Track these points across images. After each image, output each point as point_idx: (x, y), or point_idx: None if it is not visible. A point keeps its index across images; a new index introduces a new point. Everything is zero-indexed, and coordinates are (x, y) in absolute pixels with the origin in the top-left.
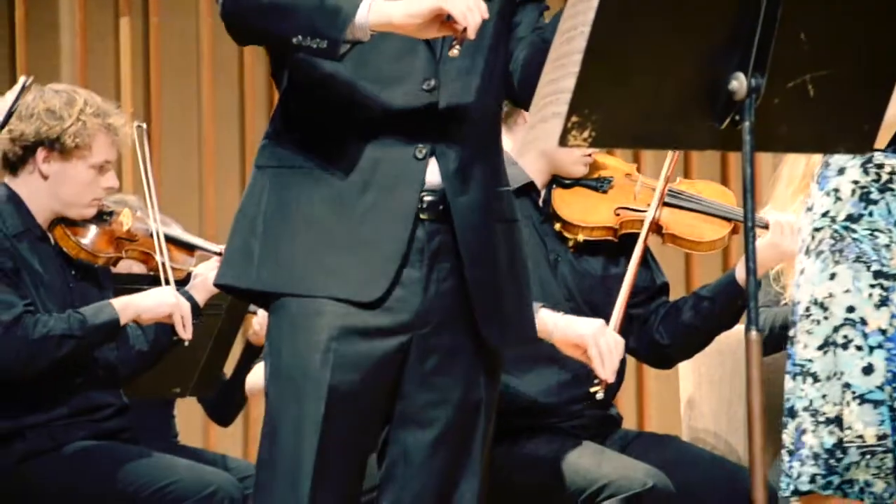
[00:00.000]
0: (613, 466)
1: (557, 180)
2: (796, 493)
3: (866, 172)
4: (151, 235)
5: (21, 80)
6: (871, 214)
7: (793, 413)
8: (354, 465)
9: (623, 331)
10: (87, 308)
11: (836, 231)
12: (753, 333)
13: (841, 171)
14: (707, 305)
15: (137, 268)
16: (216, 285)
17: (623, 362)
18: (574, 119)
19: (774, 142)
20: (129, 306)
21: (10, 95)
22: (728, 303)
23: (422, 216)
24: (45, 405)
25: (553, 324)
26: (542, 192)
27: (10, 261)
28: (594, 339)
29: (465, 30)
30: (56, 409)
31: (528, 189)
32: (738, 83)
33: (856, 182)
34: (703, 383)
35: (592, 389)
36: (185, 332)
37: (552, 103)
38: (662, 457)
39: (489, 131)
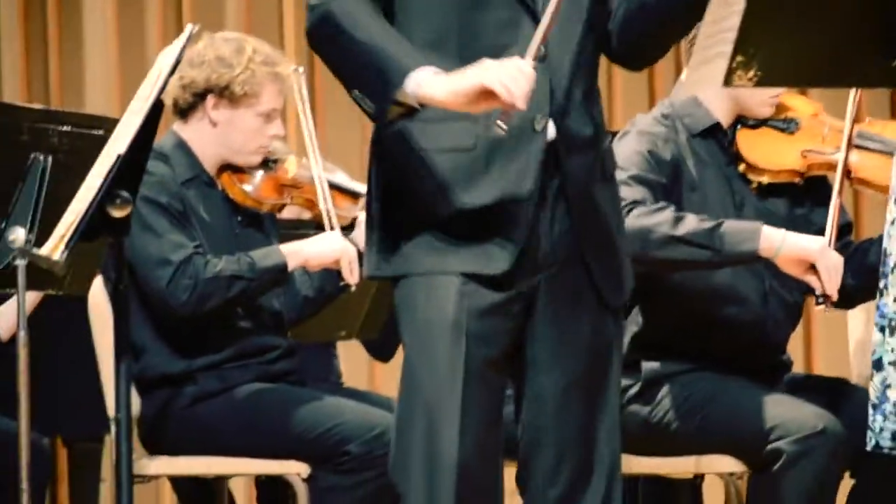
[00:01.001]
0: (784, 409)
1: (743, 121)
2: (878, 447)
3: None
4: (315, 182)
5: (188, 28)
6: None
7: (879, 366)
8: (494, 413)
9: None
10: (255, 252)
11: None
12: None
13: None
14: None
15: (304, 215)
16: (366, 278)
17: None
18: (739, 58)
19: None
20: (297, 252)
21: (178, 44)
22: None
23: (542, 185)
24: (214, 348)
25: (780, 239)
26: (728, 133)
27: (180, 204)
28: (821, 255)
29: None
30: (225, 353)
31: (714, 131)
32: None
33: None
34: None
35: (818, 307)
36: (353, 278)
37: (717, 43)
38: (832, 400)
39: (592, 91)
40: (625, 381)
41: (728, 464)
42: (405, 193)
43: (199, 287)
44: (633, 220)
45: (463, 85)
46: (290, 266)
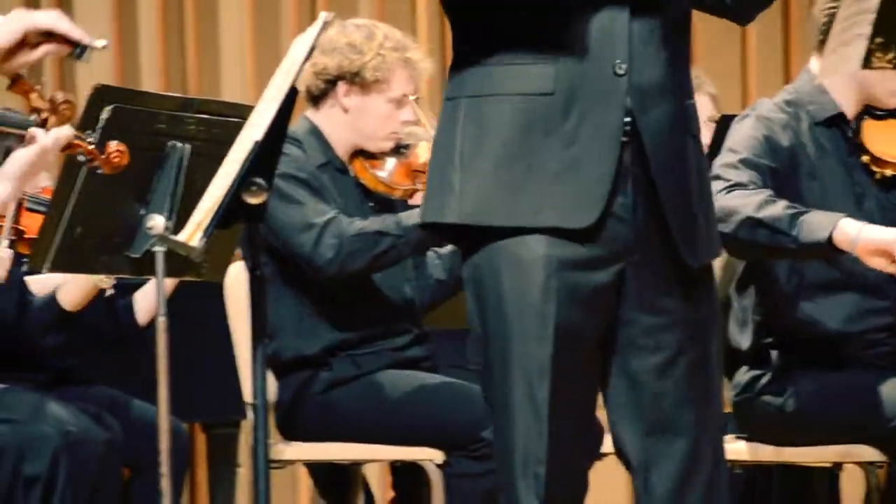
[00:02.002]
0: None
1: (869, 111)
2: None
3: None
4: None
5: (321, 16)
6: None
7: None
8: (587, 400)
9: None
10: (400, 214)
11: None
12: None
13: None
14: None
15: None
16: (422, 225)
17: None
18: (878, 40)
19: None
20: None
21: (311, 32)
22: None
23: (624, 138)
24: (349, 334)
25: (856, 231)
26: (853, 123)
27: (317, 181)
28: None
29: None
30: (359, 339)
31: (838, 120)
32: None
33: None
34: None
35: None
36: None
37: (855, 24)
38: None
39: (678, 44)
40: (755, 371)
41: (868, 453)
42: (477, 139)
43: (344, 245)
44: (726, 200)
45: None
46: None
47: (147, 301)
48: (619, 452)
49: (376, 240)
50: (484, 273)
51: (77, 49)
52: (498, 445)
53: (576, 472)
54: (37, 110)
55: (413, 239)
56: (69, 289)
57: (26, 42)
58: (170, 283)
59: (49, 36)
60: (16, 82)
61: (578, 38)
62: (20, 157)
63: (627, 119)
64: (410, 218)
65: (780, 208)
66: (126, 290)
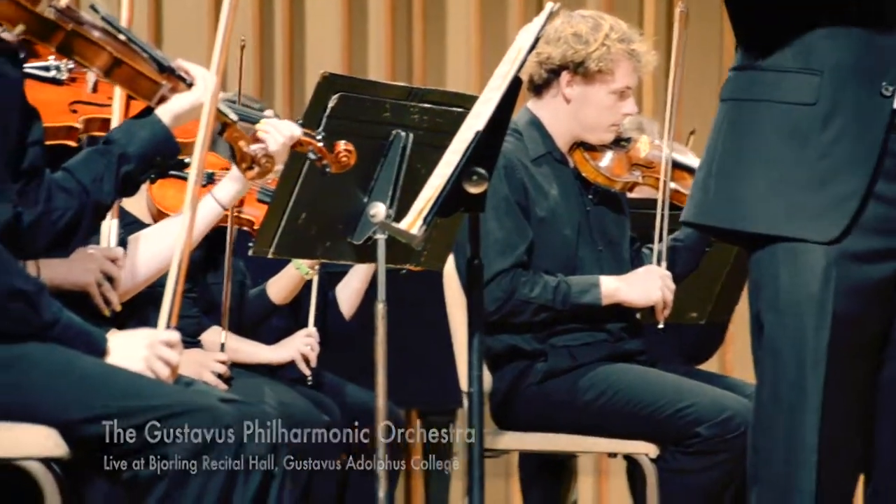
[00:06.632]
0: None
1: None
2: None
3: None
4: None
5: (548, 6)
6: None
7: None
8: (861, 395)
9: None
10: (577, 282)
11: None
12: None
13: None
14: None
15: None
16: (682, 222)
17: None
18: None
19: None
20: (614, 293)
21: (537, 21)
22: None
23: (886, 157)
24: (566, 327)
25: None
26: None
27: (523, 193)
28: None
29: None
30: (576, 332)
31: None
32: None
33: None
34: None
35: None
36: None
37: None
38: None
39: None
40: None
41: None
42: (745, 144)
43: (508, 305)
44: None
45: None
46: (605, 303)
47: (349, 293)
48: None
49: (538, 312)
50: (765, 264)
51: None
52: (768, 436)
53: (848, 462)
54: (244, 158)
55: (576, 312)
56: (278, 282)
57: None
58: (365, 275)
59: None
60: (226, 128)
61: (850, 54)
62: None
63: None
64: (583, 295)
65: None
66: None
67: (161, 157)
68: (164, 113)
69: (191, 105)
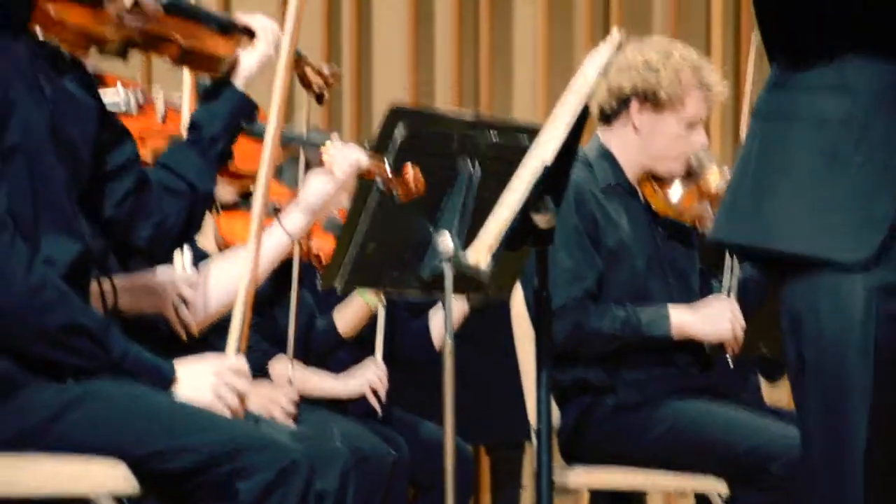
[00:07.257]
0: None
1: None
2: None
3: None
4: None
5: (613, 33)
6: None
7: None
8: None
9: None
10: (647, 314)
11: None
12: None
13: None
14: None
15: None
16: (710, 240)
17: None
18: None
19: None
20: (684, 326)
21: (604, 49)
22: None
23: None
24: (635, 362)
25: None
26: None
27: (592, 223)
28: None
29: None
30: (648, 367)
31: None
32: None
33: None
34: None
35: None
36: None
37: None
38: None
39: None
40: None
41: None
42: (777, 162)
43: (576, 336)
44: None
45: None
46: (675, 337)
47: (440, 323)
48: None
49: (609, 342)
50: (800, 294)
51: None
52: (819, 469)
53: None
54: (308, 84)
55: (646, 342)
56: (344, 314)
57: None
58: (459, 312)
59: None
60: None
61: (884, 75)
62: (320, 191)
63: None
64: (653, 327)
65: None
66: (417, 311)
67: (244, 121)
68: (237, 78)
69: (258, 62)
